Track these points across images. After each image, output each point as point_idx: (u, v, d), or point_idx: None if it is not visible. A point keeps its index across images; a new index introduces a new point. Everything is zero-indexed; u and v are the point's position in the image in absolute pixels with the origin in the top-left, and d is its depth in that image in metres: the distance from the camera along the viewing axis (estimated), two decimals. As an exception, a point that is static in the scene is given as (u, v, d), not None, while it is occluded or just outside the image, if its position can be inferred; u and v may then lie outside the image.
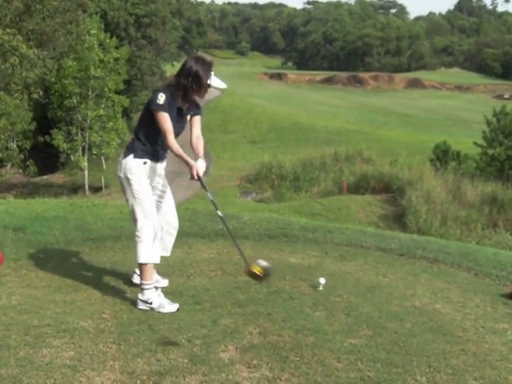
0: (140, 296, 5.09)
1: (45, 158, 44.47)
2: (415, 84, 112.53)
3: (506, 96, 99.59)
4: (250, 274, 4.65)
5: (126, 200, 5.22)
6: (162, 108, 5.05)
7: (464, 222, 27.59)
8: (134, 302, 5.11)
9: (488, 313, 5.45)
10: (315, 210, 29.57)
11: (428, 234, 24.48)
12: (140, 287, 5.12)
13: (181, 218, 5.61)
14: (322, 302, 5.29)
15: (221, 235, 7.43)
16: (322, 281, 5.61)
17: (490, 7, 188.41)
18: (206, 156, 29.88)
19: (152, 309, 5.01)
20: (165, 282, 5.57)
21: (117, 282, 5.58)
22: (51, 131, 41.54)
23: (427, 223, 26.91)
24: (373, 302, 5.38)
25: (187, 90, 5.15)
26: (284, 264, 6.37)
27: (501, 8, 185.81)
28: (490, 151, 35.38)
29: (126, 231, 7.10)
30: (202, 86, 5.17)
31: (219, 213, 5.33)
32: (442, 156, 36.57)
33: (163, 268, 5.67)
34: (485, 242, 24.16)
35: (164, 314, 4.91)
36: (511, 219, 28.53)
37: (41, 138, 41.23)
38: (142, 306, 5.05)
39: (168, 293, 5.23)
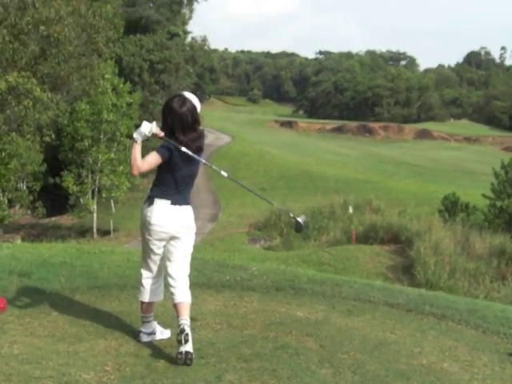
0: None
1: (54, 199, 44.60)
2: (424, 135, 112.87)
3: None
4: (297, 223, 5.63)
5: (178, 256, 5.29)
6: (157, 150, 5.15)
7: (472, 275, 27.37)
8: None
9: (496, 372, 5.35)
10: (324, 259, 29.43)
11: (436, 286, 24.31)
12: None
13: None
14: (328, 358, 5.21)
15: (228, 286, 7.37)
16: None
17: (498, 61, 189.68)
18: (216, 202, 29.79)
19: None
20: (167, 333, 5.50)
21: (121, 332, 5.52)
22: (61, 173, 41.74)
23: (436, 275, 26.70)
24: (380, 360, 5.29)
25: (167, 128, 5.15)
26: (291, 318, 6.29)
27: (509, 61, 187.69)
28: (499, 203, 35.31)
29: (132, 280, 7.04)
30: (176, 116, 5.14)
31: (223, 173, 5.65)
32: (451, 207, 36.47)
33: (167, 319, 5.62)
34: (493, 295, 23.96)
35: (168, 368, 4.84)
36: (519, 272, 28.32)
37: (51, 180, 41.40)
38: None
39: (172, 346, 5.16)
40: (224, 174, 5.61)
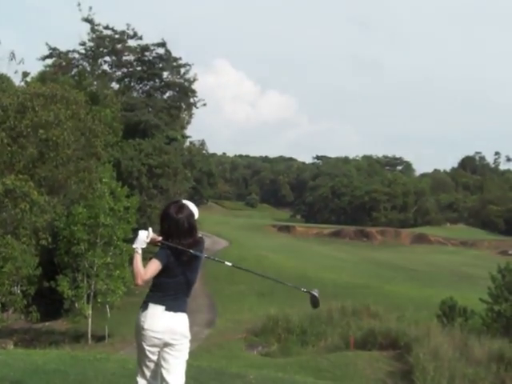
0: None
1: (48, 303, 44.07)
2: (421, 239, 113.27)
3: (511, 252, 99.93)
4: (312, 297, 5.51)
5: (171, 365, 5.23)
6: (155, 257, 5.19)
7: (472, 380, 26.91)
8: None
9: None
10: (322, 365, 28.92)
11: (436, 393, 23.89)
12: None
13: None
14: None
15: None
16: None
17: (493, 165, 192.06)
18: (212, 307, 29.50)
19: None
20: None
21: None
22: (57, 277, 41.43)
23: (435, 381, 26.23)
24: None
25: (165, 234, 5.22)
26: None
27: (503, 166, 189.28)
28: (496, 307, 35.15)
29: (126, 388, 6.95)
30: (172, 222, 5.21)
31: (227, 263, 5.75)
32: (449, 312, 36.28)
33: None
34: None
35: None
36: (519, 378, 27.87)
37: (46, 284, 41.05)
38: None
39: None
40: (228, 263, 5.72)
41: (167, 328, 5.14)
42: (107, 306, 43.86)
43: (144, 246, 5.22)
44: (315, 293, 5.56)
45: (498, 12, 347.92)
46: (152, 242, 5.26)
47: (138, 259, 5.17)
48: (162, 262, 5.11)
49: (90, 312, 41.53)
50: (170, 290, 5.17)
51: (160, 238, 5.24)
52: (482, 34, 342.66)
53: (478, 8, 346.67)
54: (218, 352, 32.29)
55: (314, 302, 5.54)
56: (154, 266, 5.13)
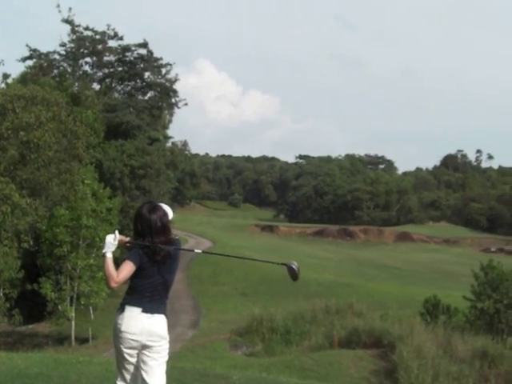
0: None
1: (31, 306, 43.81)
2: (404, 237, 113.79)
3: (493, 249, 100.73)
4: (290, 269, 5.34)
5: (150, 370, 5.20)
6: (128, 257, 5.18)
7: (456, 378, 27.03)
8: None
9: None
10: (306, 365, 28.96)
11: (420, 390, 23.98)
12: None
13: (167, 377, 5.46)
14: None
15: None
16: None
17: (475, 163, 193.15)
18: (196, 308, 29.47)
19: None
20: None
21: None
22: (39, 279, 41.20)
23: (419, 379, 26.33)
24: None
25: (138, 235, 5.23)
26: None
27: (485, 164, 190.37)
28: (479, 305, 35.31)
29: (109, 390, 6.91)
30: (145, 221, 5.23)
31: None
32: (432, 310, 36.39)
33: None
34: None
35: None
36: (502, 374, 28.04)
37: (28, 286, 40.82)
38: None
39: None
40: (198, 251, 5.76)
41: (144, 330, 5.12)
42: (90, 308, 43.73)
43: (113, 249, 5.21)
44: (293, 265, 5.45)
45: (481, 12, 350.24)
46: (121, 244, 5.26)
47: (108, 263, 5.16)
48: (135, 262, 5.11)
49: (74, 314, 41.34)
50: (146, 292, 5.16)
51: (128, 239, 5.26)
52: (465, 33, 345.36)
53: (462, 7, 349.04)
54: (202, 353, 32.26)
55: (293, 275, 5.44)
56: (127, 267, 5.11)
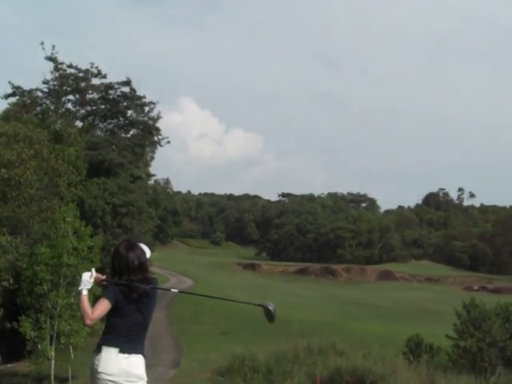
0: None
1: (11, 345, 43.24)
2: (387, 276, 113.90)
3: (475, 287, 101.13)
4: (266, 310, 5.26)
5: None
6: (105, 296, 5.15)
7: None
8: None
9: None
10: (288, 404, 28.73)
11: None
12: None
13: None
14: None
15: None
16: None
17: (457, 201, 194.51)
18: (177, 347, 29.19)
19: None
20: None
21: None
22: (19, 318, 40.74)
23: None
24: None
25: (116, 272, 5.20)
26: None
27: (467, 202, 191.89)
28: (462, 343, 35.25)
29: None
30: (122, 259, 5.19)
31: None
32: (415, 349, 36.30)
33: None
34: None
35: None
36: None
37: (8, 325, 40.35)
38: None
39: None
40: (174, 290, 5.76)
41: (122, 371, 5.06)
42: (71, 347, 43.22)
43: (89, 286, 5.21)
44: (269, 306, 5.39)
45: (459, 49, 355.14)
46: (97, 282, 5.24)
47: (84, 300, 5.15)
48: (111, 299, 5.07)
49: (53, 353, 40.84)
50: (123, 332, 5.10)
51: (104, 277, 5.25)
52: (448, 72, 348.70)
53: (440, 46, 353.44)
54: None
55: (269, 316, 5.37)
56: (102, 304, 5.08)
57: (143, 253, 5.30)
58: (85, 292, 5.17)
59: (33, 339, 40.53)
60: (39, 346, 40.89)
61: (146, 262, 5.31)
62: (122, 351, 5.07)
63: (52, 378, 40.62)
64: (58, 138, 45.19)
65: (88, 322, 5.07)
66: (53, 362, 40.88)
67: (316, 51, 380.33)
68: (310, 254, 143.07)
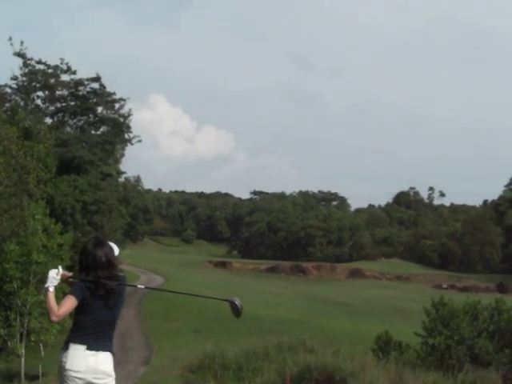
0: None
1: (-20, 344, 42.94)
2: (357, 274, 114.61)
3: (444, 286, 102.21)
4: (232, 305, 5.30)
5: None
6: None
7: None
8: None
9: None
10: (258, 401, 28.84)
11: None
12: None
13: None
14: None
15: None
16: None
17: (427, 201, 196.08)
18: (148, 345, 29.18)
19: None
20: None
21: None
22: (-12, 316, 40.47)
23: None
24: None
25: (83, 269, 5.24)
26: None
27: (437, 201, 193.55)
28: (430, 341, 35.55)
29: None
30: (90, 256, 5.27)
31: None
32: (384, 346, 36.58)
33: None
34: None
35: None
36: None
37: (-23, 324, 40.03)
38: None
39: None
40: (141, 286, 5.80)
41: (89, 368, 5.10)
42: (41, 345, 42.97)
43: (55, 283, 5.25)
44: (236, 301, 5.44)
45: (431, 48, 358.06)
46: (63, 279, 5.28)
47: (50, 297, 5.20)
48: (77, 296, 5.12)
49: (23, 351, 40.57)
50: (90, 329, 5.14)
51: (71, 274, 5.29)
52: (418, 71, 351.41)
53: (413, 45, 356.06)
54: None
55: (235, 311, 5.43)
56: (68, 301, 5.13)
57: (111, 250, 5.34)
58: (51, 289, 5.20)
59: (2, 337, 40.25)
60: (9, 344, 40.60)
61: (113, 259, 5.35)
62: (90, 348, 5.11)
63: (22, 375, 40.36)
64: (28, 134, 44.82)
65: (54, 318, 5.11)
66: (23, 359, 40.62)
67: (288, 50, 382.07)
68: (281, 251, 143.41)
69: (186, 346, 45.32)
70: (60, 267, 5.31)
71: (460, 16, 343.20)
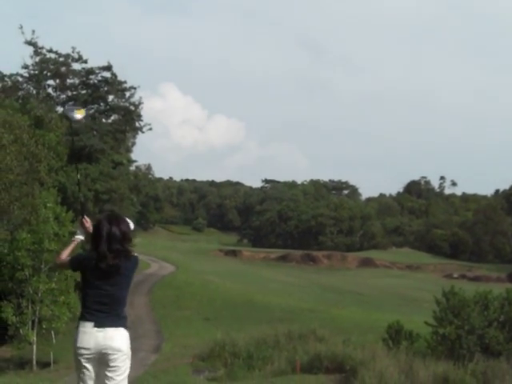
0: None
1: (-8, 330, 43.21)
2: (367, 263, 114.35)
3: (455, 275, 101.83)
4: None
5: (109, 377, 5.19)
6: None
7: (417, 403, 27.22)
8: None
9: None
10: (268, 390, 28.94)
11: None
12: None
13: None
14: None
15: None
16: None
17: (438, 190, 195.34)
18: (159, 333, 29.27)
19: None
20: None
21: None
22: (0, 303, 40.68)
23: (381, 404, 26.46)
24: None
25: (94, 240, 5.31)
26: None
27: (448, 191, 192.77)
28: (441, 330, 35.55)
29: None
30: (104, 228, 5.32)
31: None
32: (395, 335, 36.59)
33: None
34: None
35: None
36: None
37: (-11, 310, 40.27)
38: None
39: None
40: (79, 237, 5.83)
41: (98, 344, 5.14)
42: (52, 332, 43.22)
43: (78, 240, 5.68)
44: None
45: (445, 37, 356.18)
46: (84, 227, 5.63)
47: (69, 245, 5.74)
48: (72, 260, 5.43)
49: (35, 338, 40.85)
50: (94, 304, 5.18)
51: (89, 225, 5.51)
52: (431, 59, 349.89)
53: (427, 33, 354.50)
54: (165, 377, 32.01)
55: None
56: (67, 258, 5.52)
57: (125, 223, 5.35)
58: (75, 240, 5.73)
59: (14, 324, 40.50)
60: (21, 331, 40.86)
61: (127, 233, 5.34)
62: (98, 325, 5.15)
63: (34, 362, 40.62)
64: (39, 123, 44.96)
65: (55, 260, 5.42)
66: (34, 346, 40.87)
67: (300, 38, 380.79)
68: (292, 240, 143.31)
69: (196, 334, 45.50)
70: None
71: (475, 4, 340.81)
